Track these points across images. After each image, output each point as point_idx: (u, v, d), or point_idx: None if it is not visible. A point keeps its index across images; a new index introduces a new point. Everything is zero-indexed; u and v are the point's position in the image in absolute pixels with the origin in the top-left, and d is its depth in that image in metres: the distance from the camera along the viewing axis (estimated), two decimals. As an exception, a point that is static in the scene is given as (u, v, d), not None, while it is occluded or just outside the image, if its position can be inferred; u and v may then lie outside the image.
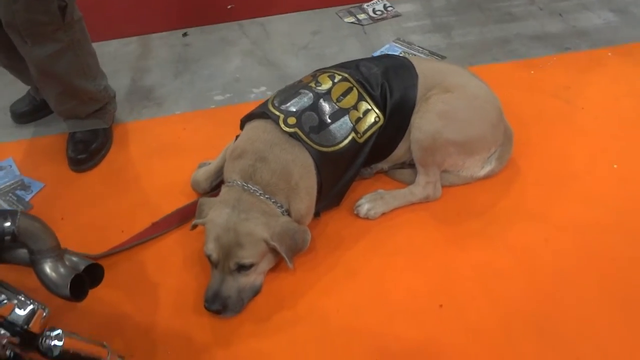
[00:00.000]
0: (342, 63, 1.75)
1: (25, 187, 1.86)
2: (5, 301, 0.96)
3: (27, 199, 1.81)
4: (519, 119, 1.88)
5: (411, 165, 1.74)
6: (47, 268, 1.09)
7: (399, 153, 1.73)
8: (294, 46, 2.42)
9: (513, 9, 2.58)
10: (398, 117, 1.66)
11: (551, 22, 2.49)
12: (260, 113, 1.58)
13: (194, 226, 1.54)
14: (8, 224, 1.04)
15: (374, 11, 2.59)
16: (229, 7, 2.65)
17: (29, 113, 2.13)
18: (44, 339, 0.99)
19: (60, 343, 0.99)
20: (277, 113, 1.54)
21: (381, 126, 1.63)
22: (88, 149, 1.92)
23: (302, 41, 2.43)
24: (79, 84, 1.85)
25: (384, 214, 1.68)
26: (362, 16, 2.56)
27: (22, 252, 1.13)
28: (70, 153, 1.92)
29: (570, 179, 1.76)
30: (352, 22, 2.52)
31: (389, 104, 1.63)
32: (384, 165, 1.77)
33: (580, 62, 2.24)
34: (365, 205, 1.68)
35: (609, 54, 2.28)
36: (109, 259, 1.58)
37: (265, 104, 1.61)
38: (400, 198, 1.70)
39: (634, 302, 1.43)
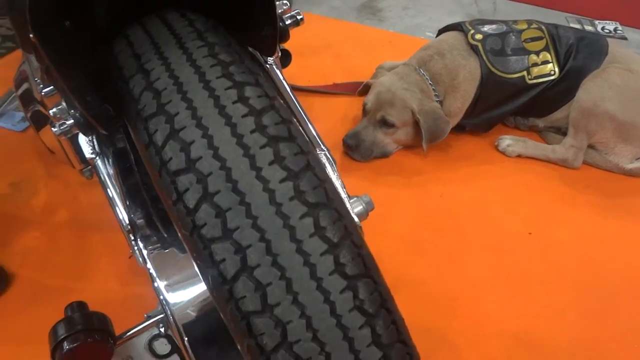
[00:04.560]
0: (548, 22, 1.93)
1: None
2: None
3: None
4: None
5: (566, 134, 1.86)
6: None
7: (558, 115, 1.86)
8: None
9: None
10: (572, 80, 1.79)
11: None
12: (456, 25, 1.84)
13: (365, 86, 1.86)
14: None
15: (602, 29, 2.67)
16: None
17: None
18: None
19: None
20: (470, 28, 1.79)
21: (553, 80, 1.79)
22: None
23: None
24: None
25: (519, 155, 1.84)
26: (589, 28, 2.66)
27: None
28: None
29: None
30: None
31: (569, 65, 1.77)
32: (540, 122, 1.92)
33: None
34: (506, 141, 1.84)
35: None
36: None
37: (464, 21, 1.87)
38: (540, 149, 1.83)
39: None
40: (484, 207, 1.66)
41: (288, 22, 0.86)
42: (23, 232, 1.52)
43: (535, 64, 1.78)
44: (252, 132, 0.57)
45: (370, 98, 1.75)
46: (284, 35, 0.86)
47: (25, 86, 1.39)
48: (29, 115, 1.35)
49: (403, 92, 1.70)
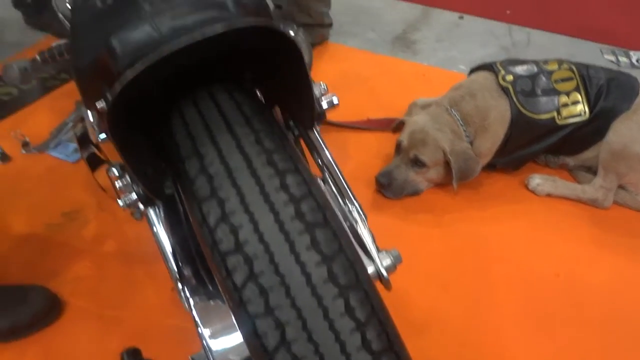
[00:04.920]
0: (578, 62, 1.96)
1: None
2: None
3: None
4: None
5: (596, 173, 1.88)
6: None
7: (589, 155, 1.88)
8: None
9: None
10: (602, 121, 1.81)
11: None
12: (488, 65, 1.89)
13: (399, 123, 1.93)
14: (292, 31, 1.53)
15: (637, 60, 2.68)
16: (507, 12, 2.98)
17: None
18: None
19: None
20: (501, 69, 1.84)
21: (583, 121, 1.82)
22: None
23: (555, 57, 2.63)
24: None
25: (549, 194, 1.87)
26: (623, 59, 2.67)
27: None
28: None
29: None
30: (610, 60, 2.65)
31: (599, 106, 1.80)
32: (570, 161, 1.94)
33: None
34: (536, 180, 1.88)
35: None
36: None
37: (496, 61, 1.91)
38: (570, 189, 1.86)
39: None
40: (512, 247, 1.70)
41: (325, 106, 0.94)
42: (74, 261, 1.63)
43: (566, 105, 1.81)
44: (292, 219, 0.64)
45: (403, 137, 1.81)
46: (321, 117, 0.93)
47: (82, 127, 1.51)
48: (84, 156, 1.46)
49: (435, 132, 1.76)
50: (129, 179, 0.82)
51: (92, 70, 0.89)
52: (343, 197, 1.04)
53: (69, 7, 1.41)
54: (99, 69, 0.87)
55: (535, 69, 1.84)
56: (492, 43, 2.74)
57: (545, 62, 1.88)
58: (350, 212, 1.01)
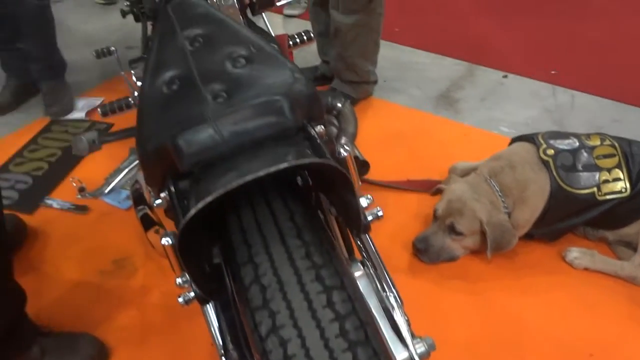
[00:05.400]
0: (620, 137, 1.97)
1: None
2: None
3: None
4: None
5: (637, 249, 1.88)
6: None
7: (629, 231, 1.88)
8: (590, 124, 2.64)
9: None
10: (644, 199, 1.83)
11: None
12: (530, 137, 1.92)
13: (437, 190, 1.97)
14: (340, 104, 1.60)
15: (684, 129, 2.65)
16: (552, 72, 3.01)
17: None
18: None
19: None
20: (542, 142, 1.87)
21: (624, 198, 1.82)
22: None
23: (599, 121, 2.64)
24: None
25: (586, 268, 1.87)
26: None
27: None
28: None
29: None
30: (656, 128, 2.64)
31: (641, 184, 1.82)
32: (610, 235, 1.94)
33: None
34: (574, 253, 1.88)
35: None
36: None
37: (538, 133, 1.95)
38: (609, 264, 1.86)
39: None
40: (546, 321, 1.70)
41: (370, 218, 0.99)
42: (122, 309, 1.72)
43: (607, 181, 1.82)
44: (336, 337, 0.70)
45: (441, 205, 1.86)
46: (366, 229, 0.98)
47: (137, 186, 1.61)
48: (138, 215, 1.56)
49: (473, 202, 1.80)
50: (187, 276, 0.90)
51: (156, 157, 0.97)
52: (381, 283, 1.09)
53: (138, 84, 1.53)
54: (163, 159, 0.96)
55: (577, 143, 1.87)
56: (536, 104, 2.77)
57: (588, 136, 1.91)
58: (387, 297, 1.06)
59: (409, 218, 2.04)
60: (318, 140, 0.95)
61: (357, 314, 0.73)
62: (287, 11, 3.54)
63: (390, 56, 3.10)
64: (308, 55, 2.95)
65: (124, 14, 1.72)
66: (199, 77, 1.08)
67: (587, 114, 2.71)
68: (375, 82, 2.70)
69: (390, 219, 2.04)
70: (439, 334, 1.67)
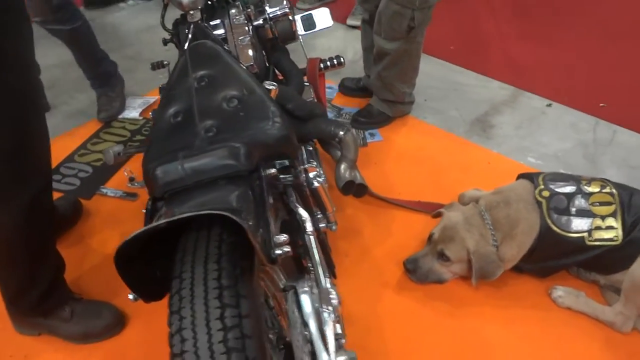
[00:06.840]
0: (625, 185, 2.01)
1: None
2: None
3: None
4: None
5: (626, 296, 1.93)
6: (341, 168, 1.83)
7: (619, 278, 1.92)
8: (623, 162, 2.63)
9: None
10: (633, 250, 1.86)
11: None
12: (531, 176, 2.02)
13: (438, 214, 2.12)
14: (342, 132, 1.79)
15: None
16: (601, 105, 2.98)
17: None
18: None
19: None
20: (540, 183, 1.96)
21: (615, 246, 1.88)
22: None
23: (634, 161, 2.62)
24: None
25: (569, 308, 1.95)
26: None
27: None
28: None
29: None
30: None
31: (632, 235, 1.86)
32: (601, 279, 2.00)
33: None
34: (559, 291, 1.97)
35: None
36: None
37: (541, 173, 2.03)
38: (591, 307, 1.93)
39: None
40: (515, 355, 1.82)
41: (279, 252, 1.13)
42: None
43: (599, 228, 1.89)
44: (219, 342, 0.93)
45: (436, 229, 2.01)
46: (273, 261, 1.15)
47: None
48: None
49: (464, 232, 1.94)
50: None
51: (147, 176, 1.24)
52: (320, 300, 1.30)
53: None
54: (149, 181, 1.22)
55: (574, 188, 1.94)
56: (572, 137, 2.78)
57: (589, 182, 1.97)
58: (322, 313, 1.27)
59: (410, 237, 2.20)
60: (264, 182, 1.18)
61: (241, 328, 0.95)
62: (349, 22, 3.72)
63: (439, 75, 3.21)
64: (358, 68, 3.13)
65: (165, 42, 2.01)
66: (197, 112, 1.33)
67: (624, 151, 2.69)
68: (412, 102, 2.83)
69: (391, 237, 2.22)
70: (408, 350, 1.86)
